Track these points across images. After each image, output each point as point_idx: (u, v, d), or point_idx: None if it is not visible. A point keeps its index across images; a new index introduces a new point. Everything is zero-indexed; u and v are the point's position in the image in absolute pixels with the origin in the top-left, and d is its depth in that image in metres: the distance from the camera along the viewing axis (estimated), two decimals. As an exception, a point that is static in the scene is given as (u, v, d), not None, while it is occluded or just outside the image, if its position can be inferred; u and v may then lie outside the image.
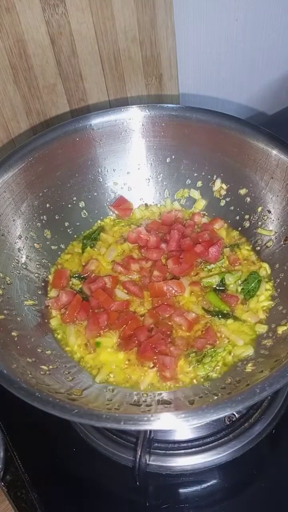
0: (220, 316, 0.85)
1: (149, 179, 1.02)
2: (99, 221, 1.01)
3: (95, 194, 1.00)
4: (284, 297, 0.84)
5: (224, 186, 0.98)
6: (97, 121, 0.95)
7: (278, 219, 0.90)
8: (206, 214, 1.01)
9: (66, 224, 0.97)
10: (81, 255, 0.96)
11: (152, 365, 0.80)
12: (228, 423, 0.83)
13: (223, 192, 0.99)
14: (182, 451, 0.81)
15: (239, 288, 0.88)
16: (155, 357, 0.79)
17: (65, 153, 0.94)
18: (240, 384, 0.71)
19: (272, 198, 0.91)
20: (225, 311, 0.86)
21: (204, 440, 0.82)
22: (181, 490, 0.80)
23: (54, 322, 0.86)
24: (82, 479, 0.82)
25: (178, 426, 0.61)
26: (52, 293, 0.90)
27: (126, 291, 0.89)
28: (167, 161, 1.01)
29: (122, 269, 0.92)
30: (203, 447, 0.81)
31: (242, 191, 0.95)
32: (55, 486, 0.82)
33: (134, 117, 0.97)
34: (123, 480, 0.81)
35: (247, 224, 0.95)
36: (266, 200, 0.92)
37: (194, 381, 0.78)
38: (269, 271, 0.90)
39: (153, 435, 0.80)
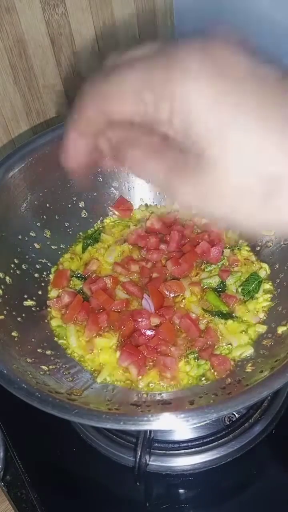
0: (220, 316, 0.85)
1: (149, 179, 1.02)
2: (99, 222, 1.01)
3: (95, 194, 1.00)
4: (284, 297, 0.84)
5: (224, 186, 0.98)
6: (97, 121, 0.95)
7: (278, 219, 0.90)
8: (206, 214, 1.01)
9: (66, 224, 0.97)
10: (82, 255, 0.96)
11: (152, 365, 0.80)
12: (228, 423, 0.83)
13: (223, 192, 0.98)
14: (182, 451, 0.81)
15: (239, 289, 0.88)
16: (156, 357, 0.79)
17: (65, 153, 0.94)
18: (240, 384, 0.71)
19: (272, 198, 0.91)
20: (224, 311, 0.86)
21: (204, 440, 0.82)
22: (181, 490, 0.80)
23: (54, 323, 0.86)
24: (82, 479, 0.82)
25: (178, 426, 0.61)
26: (53, 293, 0.90)
27: (125, 292, 0.89)
28: (167, 161, 1.00)
29: (122, 269, 0.92)
30: (203, 447, 0.81)
31: (242, 191, 0.95)
32: (55, 486, 0.82)
33: (134, 117, 0.96)
34: (123, 480, 0.81)
35: (247, 224, 0.95)
36: (266, 200, 0.92)
37: (194, 381, 0.78)
38: (268, 272, 0.90)
39: (153, 435, 0.80)
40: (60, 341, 0.84)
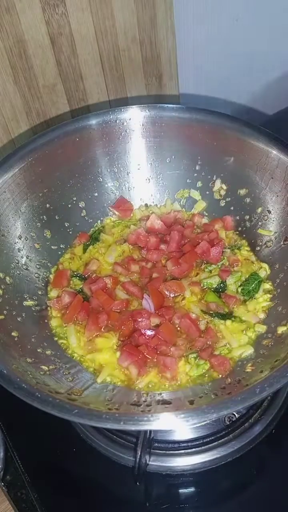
0: (219, 317, 0.85)
1: (149, 179, 1.02)
2: (99, 222, 1.01)
3: (95, 194, 1.00)
4: (283, 297, 0.84)
5: (224, 186, 0.98)
6: (97, 121, 0.95)
7: (278, 219, 0.90)
8: (206, 214, 1.01)
9: (66, 224, 0.97)
10: (82, 255, 0.96)
11: (152, 365, 0.80)
12: (228, 423, 0.83)
13: (223, 193, 0.99)
14: (182, 451, 0.81)
15: (239, 289, 0.88)
16: (156, 357, 0.79)
17: (65, 153, 0.94)
18: (240, 384, 0.71)
19: (272, 198, 0.91)
20: (224, 312, 0.86)
21: (204, 440, 0.82)
22: (181, 490, 0.80)
23: (54, 323, 0.86)
24: (82, 479, 0.82)
25: (178, 426, 0.61)
26: (52, 293, 0.90)
27: (125, 292, 0.89)
28: (167, 161, 1.01)
29: (122, 269, 0.92)
30: (203, 447, 0.81)
31: (242, 192, 0.96)
32: (55, 486, 0.82)
33: (134, 117, 0.97)
34: (123, 480, 0.81)
35: (247, 224, 0.95)
36: (266, 200, 0.92)
37: (194, 381, 0.78)
38: (268, 272, 0.90)
39: (153, 435, 0.80)
40: (60, 341, 0.84)
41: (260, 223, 0.93)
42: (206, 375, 0.78)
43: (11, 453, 0.82)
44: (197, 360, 0.79)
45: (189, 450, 0.81)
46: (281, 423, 0.84)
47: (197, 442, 0.82)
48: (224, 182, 0.98)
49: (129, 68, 1.15)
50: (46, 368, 0.75)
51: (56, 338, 0.84)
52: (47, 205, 0.94)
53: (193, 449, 0.81)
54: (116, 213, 1.02)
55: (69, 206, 0.97)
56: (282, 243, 0.89)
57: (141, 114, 0.97)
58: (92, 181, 0.99)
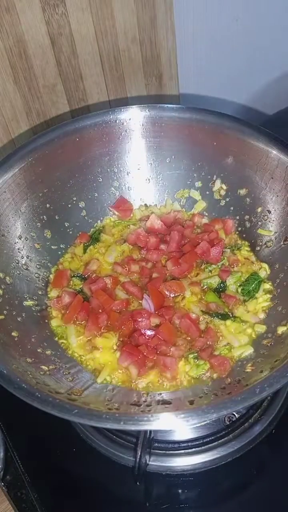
0: (219, 317, 0.85)
1: (149, 179, 1.02)
2: (99, 222, 1.01)
3: (95, 194, 1.00)
4: (283, 297, 0.84)
5: (224, 186, 0.98)
6: (97, 121, 0.95)
7: (278, 219, 0.90)
8: (206, 214, 1.01)
9: (66, 224, 0.97)
10: (82, 255, 0.96)
11: (152, 365, 0.80)
12: (228, 423, 0.83)
13: (223, 193, 0.99)
14: (182, 451, 0.81)
15: (239, 289, 0.88)
16: (156, 357, 0.79)
17: (65, 153, 0.94)
18: (240, 384, 0.71)
19: (272, 198, 0.91)
20: (224, 312, 0.86)
21: (204, 440, 0.82)
22: (181, 490, 0.80)
23: (54, 323, 0.86)
24: (82, 479, 0.82)
25: (178, 426, 0.61)
26: (53, 293, 0.90)
27: (125, 292, 0.89)
28: (167, 161, 1.01)
29: (122, 269, 0.92)
30: (203, 447, 0.81)
31: (242, 192, 0.96)
32: (55, 486, 0.82)
33: (134, 117, 0.97)
34: (123, 480, 0.81)
35: (247, 224, 0.95)
36: (266, 200, 0.92)
37: (194, 381, 0.78)
38: (268, 272, 0.90)
39: (153, 435, 0.80)
40: (60, 341, 0.84)
41: (260, 223, 0.93)
42: (206, 375, 0.78)
43: (11, 453, 0.82)
44: (197, 360, 0.79)
45: (189, 450, 0.81)
46: (281, 423, 0.84)
47: (197, 442, 0.82)
48: (224, 182, 0.98)
49: (129, 68, 1.15)
50: (46, 368, 0.75)
51: (56, 338, 0.84)
52: (47, 205, 0.94)
53: (193, 449, 0.81)
54: (116, 213, 1.02)
55: (69, 206, 0.97)
56: (282, 243, 0.89)
57: (141, 114, 0.97)
58: (92, 181, 0.99)
